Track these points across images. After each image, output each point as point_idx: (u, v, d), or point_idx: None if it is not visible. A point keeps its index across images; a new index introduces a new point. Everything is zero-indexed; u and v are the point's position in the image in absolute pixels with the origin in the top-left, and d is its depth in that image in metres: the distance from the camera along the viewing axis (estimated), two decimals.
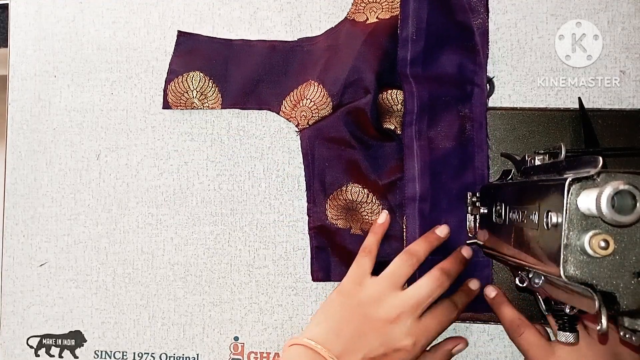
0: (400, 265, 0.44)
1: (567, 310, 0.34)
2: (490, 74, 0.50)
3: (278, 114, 0.51)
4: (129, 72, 0.54)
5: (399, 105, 0.49)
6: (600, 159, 0.28)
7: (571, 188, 0.28)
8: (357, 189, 0.49)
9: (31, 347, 0.53)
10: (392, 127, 0.49)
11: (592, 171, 0.27)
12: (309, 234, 0.50)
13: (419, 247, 0.45)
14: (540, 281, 0.35)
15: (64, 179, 0.54)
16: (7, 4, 0.56)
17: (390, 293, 0.43)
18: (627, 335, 0.29)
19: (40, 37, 0.55)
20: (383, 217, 0.48)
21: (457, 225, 0.47)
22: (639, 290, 0.27)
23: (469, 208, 0.47)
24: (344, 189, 0.49)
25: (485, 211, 0.44)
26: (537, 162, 0.40)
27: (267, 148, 0.52)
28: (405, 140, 0.48)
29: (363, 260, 0.46)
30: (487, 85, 0.49)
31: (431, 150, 0.47)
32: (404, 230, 0.48)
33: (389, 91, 0.49)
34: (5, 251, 0.54)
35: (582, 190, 0.28)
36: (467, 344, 0.47)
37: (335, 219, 0.49)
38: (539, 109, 0.49)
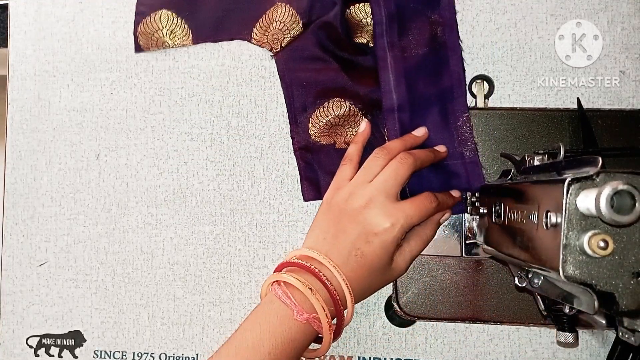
0: (372, 160, 0.45)
1: (566, 310, 0.34)
2: (490, 74, 0.50)
3: (250, 42, 0.51)
4: (129, 72, 0.54)
5: (368, 18, 0.49)
6: (600, 159, 0.28)
7: (570, 188, 0.28)
8: (339, 103, 0.49)
9: (31, 346, 0.53)
10: (365, 42, 0.50)
11: (592, 171, 0.27)
12: (294, 155, 0.51)
13: (394, 144, 0.46)
14: (540, 281, 0.35)
15: (64, 179, 0.54)
16: (7, 4, 0.56)
17: (361, 185, 0.44)
18: (626, 336, 0.29)
19: (40, 36, 0.55)
20: (363, 126, 0.49)
21: (438, 128, 0.48)
22: (638, 291, 0.27)
23: (469, 208, 0.47)
24: (327, 105, 0.49)
25: (485, 211, 0.44)
26: (537, 162, 0.40)
27: (267, 148, 0.52)
28: (378, 52, 0.48)
29: (344, 168, 0.47)
30: (487, 84, 0.49)
31: (405, 59, 0.48)
32: (386, 140, 0.48)
33: (357, 5, 0.49)
34: (4, 251, 0.54)
35: (581, 190, 0.28)
36: (451, 214, 0.47)
37: (319, 137, 0.50)
38: (538, 109, 0.49)
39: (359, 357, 0.50)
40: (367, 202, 0.43)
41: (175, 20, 0.51)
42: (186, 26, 0.51)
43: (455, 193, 0.47)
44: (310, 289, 0.40)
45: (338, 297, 0.41)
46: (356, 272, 0.42)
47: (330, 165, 0.50)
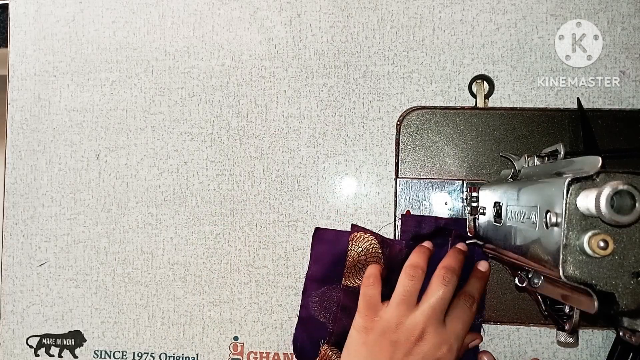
0: (407, 282, 0.43)
1: (567, 310, 0.34)
2: (490, 74, 0.50)
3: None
4: (129, 72, 0.54)
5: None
6: (600, 159, 0.28)
7: (570, 188, 0.28)
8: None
9: (31, 346, 0.53)
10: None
11: (592, 171, 0.27)
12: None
13: (418, 259, 0.45)
14: (540, 281, 0.35)
15: (64, 179, 0.54)
16: (7, 4, 0.56)
17: (407, 313, 0.42)
18: (626, 335, 0.29)
19: (40, 36, 0.55)
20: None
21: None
22: (638, 290, 0.27)
23: (469, 208, 0.47)
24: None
25: (485, 211, 0.44)
26: (537, 162, 0.40)
27: (267, 148, 0.52)
28: None
29: (369, 291, 0.45)
30: (487, 84, 0.49)
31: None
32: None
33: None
34: (5, 251, 0.54)
35: (582, 191, 0.28)
36: (481, 340, 0.47)
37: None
38: (538, 109, 0.49)
39: None
40: (421, 333, 0.41)
41: None
42: None
43: (483, 267, 0.46)
44: None
45: None
46: None
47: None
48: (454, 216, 0.48)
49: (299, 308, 0.50)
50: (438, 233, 0.48)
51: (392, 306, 0.43)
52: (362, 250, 0.48)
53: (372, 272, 0.46)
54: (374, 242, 0.48)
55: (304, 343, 0.49)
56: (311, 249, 0.51)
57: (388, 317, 0.43)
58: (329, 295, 0.49)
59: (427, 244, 0.47)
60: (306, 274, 0.50)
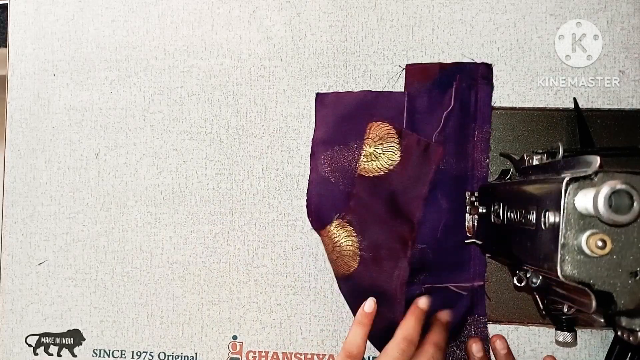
0: (398, 353, 0.42)
1: (565, 310, 0.34)
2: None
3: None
4: (128, 71, 0.54)
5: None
6: (598, 158, 0.28)
7: (569, 187, 0.28)
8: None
9: (30, 345, 0.54)
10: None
11: (590, 171, 0.27)
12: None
13: (412, 330, 0.43)
14: (538, 281, 0.35)
15: (63, 178, 0.54)
16: (7, 4, 0.56)
17: None
18: (624, 335, 0.29)
19: (39, 35, 0.55)
20: (371, 304, 0.46)
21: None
22: (636, 290, 0.27)
23: (468, 208, 0.47)
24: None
25: (484, 211, 0.44)
26: (536, 162, 0.40)
27: (266, 147, 0.52)
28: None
29: (357, 331, 0.44)
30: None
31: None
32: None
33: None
34: (4, 250, 0.54)
35: (580, 190, 0.28)
36: None
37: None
38: (537, 108, 0.49)
39: None
40: None
41: None
42: None
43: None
44: None
45: None
46: None
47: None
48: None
49: (309, 173, 0.50)
50: (443, 78, 0.48)
51: None
52: (379, 139, 0.48)
53: (360, 318, 0.44)
54: (391, 130, 0.48)
55: (319, 205, 0.49)
56: (315, 115, 0.51)
57: None
58: (337, 156, 0.49)
59: (423, 304, 0.45)
60: (312, 139, 0.51)
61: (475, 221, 0.46)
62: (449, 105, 0.47)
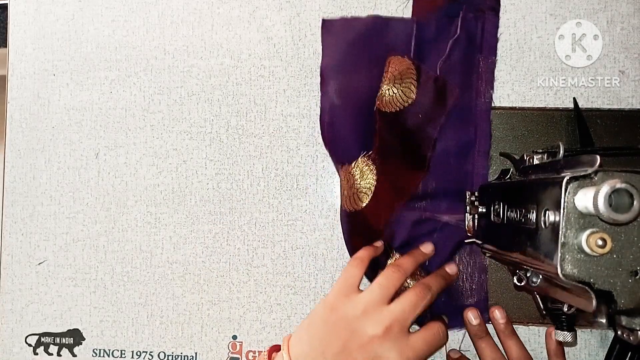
0: (387, 278, 0.43)
1: (565, 309, 0.34)
2: None
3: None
4: (128, 71, 0.54)
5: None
6: (598, 158, 0.28)
7: (569, 186, 0.28)
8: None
9: (30, 345, 0.53)
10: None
11: (590, 170, 0.28)
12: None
13: (406, 263, 0.44)
14: (538, 280, 0.35)
15: (63, 178, 0.54)
16: (7, 4, 0.56)
17: (377, 307, 0.41)
18: (624, 334, 0.29)
19: (39, 35, 0.55)
20: (379, 243, 0.47)
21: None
22: (636, 289, 0.27)
23: (468, 207, 0.47)
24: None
25: (484, 210, 0.44)
26: (536, 161, 0.40)
27: (266, 147, 0.52)
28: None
29: (352, 271, 0.44)
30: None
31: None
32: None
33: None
34: (3, 249, 0.54)
35: (580, 189, 0.28)
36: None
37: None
38: (537, 108, 0.49)
39: None
40: (383, 332, 0.40)
41: None
42: None
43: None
44: None
45: None
46: None
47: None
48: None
49: (320, 99, 0.49)
50: (450, 8, 0.48)
51: (365, 295, 0.42)
52: (399, 74, 0.47)
53: (361, 255, 0.45)
54: (411, 66, 0.47)
55: (343, 139, 0.48)
56: (322, 42, 0.50)
57: (357, 304, 0.42)
58: (349, 84, 0.48)
59: (425, 248, 0.46)
60: (320, 66, 0.50)
61: (476, 221, 0.46)
62: (455, 34, 0.47)
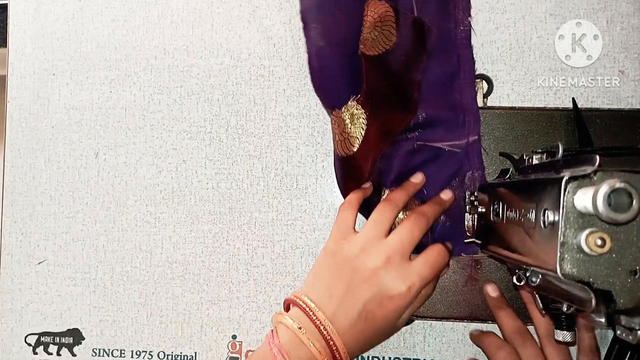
0: (381, 213, 0.43)
1: (564, 309, 0.34)
2: (489, 73, 0.50)
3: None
4: (128, 71, 0.54)
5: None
6: (597, 157, 0.28)
7: (568, 186, 0.28)
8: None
9: (29, 344, 0.53)
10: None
11: (589, 170, 0.27)
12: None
13: (399, 196, 0.45)
14: (538, 280, 0.35)
15: (63, 177, 0.54)
16: (7, 4, 0.56)
17: (374, 242, 0.42)
18: (624, 334, 0.29)
19: (39, 35, 0.55)
20: (367, 184, 0.48)
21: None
22: (636, 289, 0.27)
23: (468, 207, 0.47)
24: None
25: (483, 210, 0.44)
26: (535, 161, 0.40)
27: (266, 147, 0.52)
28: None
29: (345, 215, 0.45)
30: (486, 83, 0.49)
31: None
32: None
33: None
34: (3, 249, 0.54)
35: (579, 189, 0.28)
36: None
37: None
38: (537, 108, 0.49)
39: (357, 356, 0.50)
40: (384, 262, 0.41)
41: None
42: None
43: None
44: (320, 352, 0.40)
45: (336, 351, 0.40)
46: (361, 333, 0.41)
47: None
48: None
49: (306, 44, 0.48)
50: None
51: (362, 233, 0.43)
52: (377, 16, 0.46)
53: (350, 198, 0.46)
54: (389, 9, 0.47)
55: (332, 81, 0.47)
56: None
57: (355, 242, 0.42)
58: (332, 25, 0.47)
59: (416, 178, 0.47)
60: (299, 9, 0.48)
61: (475, 220, 0.46)
62: None
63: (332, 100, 0.47)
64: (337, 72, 0.47)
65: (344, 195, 0.48)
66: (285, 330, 0.41)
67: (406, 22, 0.47)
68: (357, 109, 0.46)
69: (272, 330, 0.42)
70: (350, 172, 0.47)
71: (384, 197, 0.47)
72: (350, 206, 0.45)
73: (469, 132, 0.48)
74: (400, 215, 0.46)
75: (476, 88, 0.49)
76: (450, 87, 0.48)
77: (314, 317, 0.40)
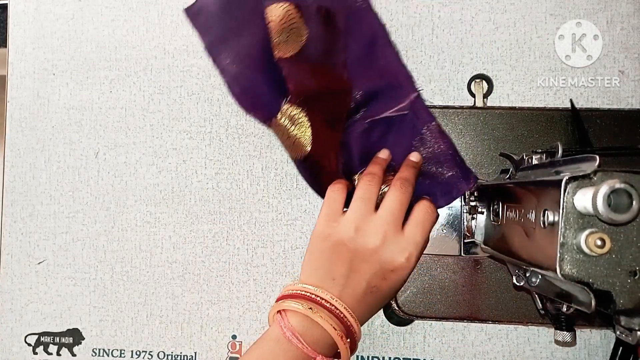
0: (365, 188, 0.44)
1: (564, 309, 0.34)
2: (489, 73, 0.50)
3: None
4: (128, 70, 0.54)
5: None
6: (597, 157, 0.28)
7: (568, 187, 0.28)
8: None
9: (29, 344, 0.53)
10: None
11: (589, 170, 0.27)
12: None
13: (376, 170, 0.45)
14: (537, 280, 0.35)
15: (63, 177, 0.54)
16: (7, 3, 0.56)
17: (366, 219, 0.42)
18: (623, 334, 0.29)
19: (39, 35, 0.55)
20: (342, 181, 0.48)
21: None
22: (635, 289, 0.27)
23: (467, 207, 0.47)
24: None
25: (483, 210, 0.44)
26: (535, 162, 0.40)
27: (266, 147, 0.52)
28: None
29: (335, 195, 0.44)
30: (486, 83, 0.49)
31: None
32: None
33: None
34: (3, 249, 0.54)
35: (579, 189, 0.28)
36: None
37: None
38: (537, 108, 0.49)
39: (357, 356, 0.50)
40: (381, 240, 0.41)
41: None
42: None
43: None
44: (334, 327, 0.40)
45: (350, 325, 0.41)
46: (369, 305, 0.42)
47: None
48: (451, 214, 0.48)
49: (221, 77, 0.49)
50: None
51: (351, 212, 0.43)
52: (280, 21, 0.46)
53: (337, 184, 0.45)
54: (289, 9, 0.47)
55: (258, 97, 0.48)
56: (195, 29, 0.50)
57: (347, 221, 0.42)
58: (242, 48, 0.48)
59: (383, 154, 0.47)
60: (204, 48, 0.49)
61: (475, 221, 0.46)
62: None
63: (265, 114, 0.48)
64: (261, 88, 0.47)
65: (322, 194, 0.48)
66: (294, 314, 0.41)
67: (310, 13, 0.47)
68: (294, 110, 0.46)
69: (279, 314, 0.42)
70: (316, 170, 0.47)
71: (356, 182, 0.47)
72: (339, 188, 0.45)
73: (407, 91, 0.48)
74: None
75: (397, 51, 0.48)
76: (373, 57, 0.48)
77: (321, 299, 0.41)
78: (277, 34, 0.46)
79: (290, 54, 0.46)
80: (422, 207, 0.44)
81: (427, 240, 0.44)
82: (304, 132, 0.46)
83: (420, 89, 0.48)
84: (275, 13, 0.47)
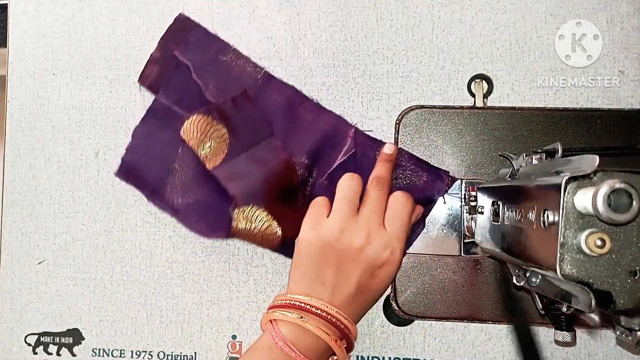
0: (345, 190, 0.45)
1: (564, 310, 0.34)
2: (489, 73, 0.50)
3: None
4: (128, 70, 0.54)
5: None
6: (597, 157, 0.28)
7: (568, 187, 0.28)
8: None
9: (29, 344, 0.53)
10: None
11: (589, 170, 0.27)
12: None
13: (351, 175, 0.46)
14: (537, 280, 0.35)
15: (63, 177, 0.54)
16: (7, 3, 0.56)
17: (350, 220, 0.43)
18: (623, 335, 0.29)
19: (39, 34, 0.55)
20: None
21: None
22: (635, 289, 0.27)
23: (467, 208, 0.47)
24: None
25: (483, 211, 0.44)
26: (535, 162, 0.40)
27: None
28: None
29: (318, 202, 0.46)
30: (486, 83, 0.49)
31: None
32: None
33: None
34: (3, 249, 0.54)
35: (579, 189, 0.28)
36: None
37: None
38: (537, 108, 0.49)
39: (357, 356, 0.50)
40: (366, 239, 0.42)
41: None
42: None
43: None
44: (327, 333, 0.41)
45: (344, 327, 0.42)
46: (361, 304, 0.44)
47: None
48: (451, 215, 0.48)
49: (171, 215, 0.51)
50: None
51: (334, 212, 0.44)
52: (199, 135, 0.48)
53: (322, 199, 0.46)
54: (202, 119, 0.48)
55: (214, 216, 0.49)
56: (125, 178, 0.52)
57: (331, 225, 0.43)
58: (173, 178, 0.50)
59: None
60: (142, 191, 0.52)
61: (475, 221, 0.46)
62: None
63: (223, 229, 0.48)
64: (211, 208, 0.49)
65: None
66: (284, 324, 0.41)
67: (219, 111, 0.48)
68: (245, 209, 0.46)
69: (270, 323, 0.42)
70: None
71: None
72: (322, 198, 0.46)
73: (344, 131, 0.50)
74: None
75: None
76: (298, 118, 0.50)
77: (311, 307, 0.41)
78: (200, 149, 0.48)
79: (221, 158, 0.48)
80: (395, 200, 0.45)
81: (409, 230, 0.45)
82: (267, 222, 0.47)
83: (354, 123, 0.50)
84: (189, 131, 0.48)
